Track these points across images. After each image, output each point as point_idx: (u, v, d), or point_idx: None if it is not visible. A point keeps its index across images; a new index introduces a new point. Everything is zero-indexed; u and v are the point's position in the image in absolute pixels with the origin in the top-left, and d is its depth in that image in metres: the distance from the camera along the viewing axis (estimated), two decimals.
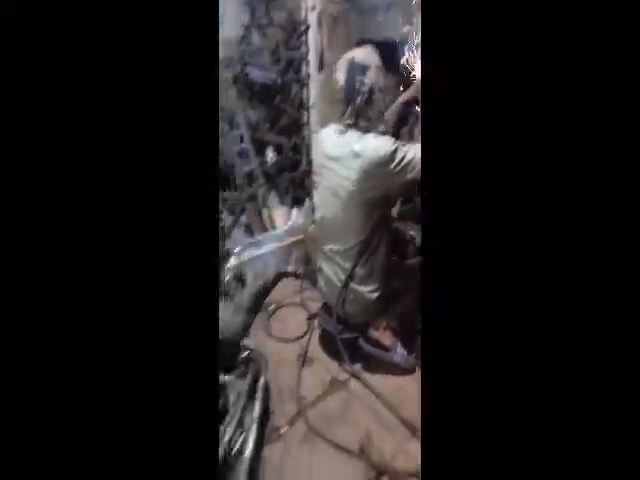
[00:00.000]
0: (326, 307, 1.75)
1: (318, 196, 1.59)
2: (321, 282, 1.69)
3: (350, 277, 1.52)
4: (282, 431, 1.39)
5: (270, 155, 2.56)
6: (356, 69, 1.40)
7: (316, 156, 1.58)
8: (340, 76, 1.44)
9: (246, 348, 1.50)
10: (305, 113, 2.67)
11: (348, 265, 1.51)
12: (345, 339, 1.61)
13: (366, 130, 1.42)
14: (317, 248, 1.70)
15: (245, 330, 1.72)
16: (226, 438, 1.20)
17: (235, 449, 1.21)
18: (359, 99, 1.42)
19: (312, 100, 2.54)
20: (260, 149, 2.54)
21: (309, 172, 2.76)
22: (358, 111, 1.43)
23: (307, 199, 2.39)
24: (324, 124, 2.58)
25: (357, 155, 1.35)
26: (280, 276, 2.23)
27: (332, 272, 1.59)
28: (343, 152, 1.41)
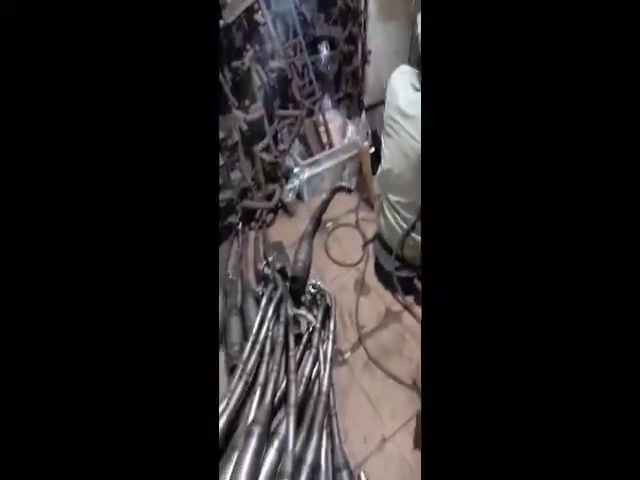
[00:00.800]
0: (381, 240, 1.88)
1: (387, 148, 1.60)
2: (382, 223, 1.80)
3: (412, 228, 1.62)
4: (346, 356, 1.67)
5: (324, 52, 2.39)
6: None
7: (388, 106, 1.53)
8: (420, 28, 1.31)
9: (314, 286, 1.68)
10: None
11: (410, 216, 1.61)
12: (401, 277, 1.78)
13: None
14: (380, 190, 1.77)
15: (309, 260, 1.89)
16: (306, 370, 1.47)
17: (313, 376, 1.49)
18: None
19: None
20: (313, 45, 2.37)
21: (364, 62, 2.61)
22: None
23: (363, 112, 2.32)
24: (381, 12, 2.36)
25: None
26: (336, 190, 2.31)
27: (393, 218, 1.69)
28: (417, 112, 1.38)
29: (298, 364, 1.50)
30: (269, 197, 2.07)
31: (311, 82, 2.23)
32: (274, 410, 1.36)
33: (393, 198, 1.64)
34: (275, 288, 1.66)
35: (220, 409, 1.30)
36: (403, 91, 1.45)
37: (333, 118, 2.34)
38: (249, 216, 2.05)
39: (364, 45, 2.57)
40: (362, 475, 1.33)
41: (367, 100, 2.75)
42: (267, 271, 1.73)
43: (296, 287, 1.74)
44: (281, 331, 1.52)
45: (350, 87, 2.63)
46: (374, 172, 2.18)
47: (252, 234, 2.07)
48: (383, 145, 1.63)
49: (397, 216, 1.65)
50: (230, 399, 1.31)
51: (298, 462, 1.20)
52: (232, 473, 1.11)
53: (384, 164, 1.64)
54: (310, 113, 2.22)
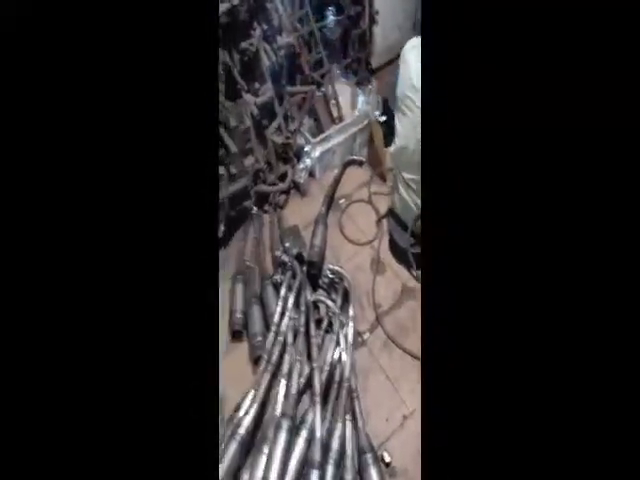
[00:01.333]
0: (395, 216, 1.88)
1: (401, 125, 1.56)
2: (396, 200, 1.79)
3: None
4: (365, 337, 1.71)
5: (331, 17, 2.27)
6: None
7: (401, 82, 1.48)
8: None
9: (332, 271, 1.70)
10: None
11: None
12: (416, 253, 1.79)
13: None
14: (394, 167, 1.75)
15: (324, 244, 1.89)
16: (328, 357, 1.52)
17: (335, 359, 1.54)
18: None
19: None
20: (319, 11, 2.25)
21: (372, 22, 2.49)
22: None
23: (372, 80, 2.23)
24: None
25: None
26: (347, 164, 2.27)
27: (408, 195, 1.68)
28: None
29: (319, 347, 1.54)
30: (282, 178, 2.04)
31: (319, 52, 2.14)
32: (299, 398, 1.42)
33: (407, 176, 1.62)
34: (294, 275, 1.68)
35: (248, 401, 1.36)
36: (416, 67, 1.39)
37: (342, 89, 2.26)
38: (262, 199, 2.04)
39: (371, 5, 2.44)
40: (385, 455, 1.41)
41: (375, 62, 2.65)
42: (284, 258, 1.74)
43: (314, 272, 1.76)
44: (302, 319, 1.56)
45: (358, 51, 2.52)
46: (386, 144, 2.14)
47: (267, 217, 2.07)
48: (397, 122, 1.59)
49: (412, 193, 1.64)
50: (257, 391, 1.38)
51: (325, 449, 1.27)
52: (265, 466, 1.18)
53: (398, 141, 1.60)
54: (319, 86, 2.14)
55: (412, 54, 1.44)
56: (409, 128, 1.49)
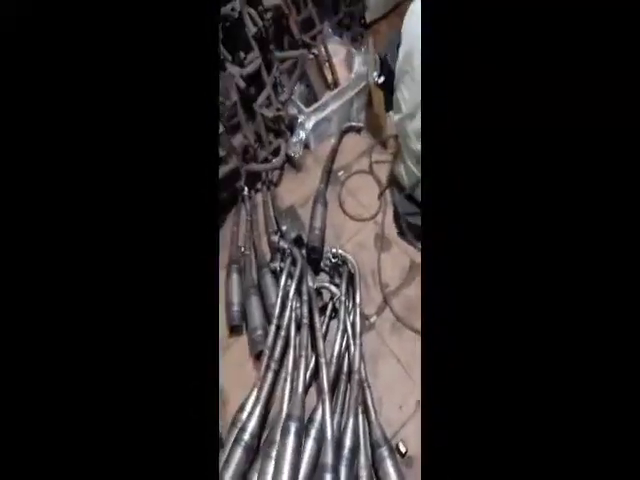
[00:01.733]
0: (400, 188, 1.75)
1: (406, 90, 1.42)
2: (401, 171, 1.67)
3: None
4: (372, 320, 1.62)
5: None
6: None
7: (406, 38, 1.31)
8: None
9: (335, 255, 1.59)
10: None
11: None
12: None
13: None
14: (399, 135, 1.61)
15: (325, 225, 1.78)
16: (336, 347, 1.43)
17: (343, 348, 1.46)
18: None
19: None
20: None
21: None
22: None
23: (367, 36, 2.03)
24: None
25: None
26: (345, 132, 2.12)
27: (413, 164, 1.55)
28: None
29: (324, 336, 1.46)
30: (275, 153, 1.90)
31: (308, 10, 1.94)
32: (306, 393, 1.35)
33: (415, 146, 1.47)
34: (293, 262, 1.57)
35: (251, 401, 1.29)
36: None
37: (336, 49, 2.07)
38: (254, 177, 1.90)
39: None
40: (401, 445, 1.34)
41: (369, 17, 2.44)
42: (282, 244, 1.62)
43: (315, 257, 1.65)
44: (305, 310, 1.46)
45: (350, 4, 2.30)
46: (387, 107, 1.97)
47: (260, 197, 1.94)
48: (402, 86, 1.43)
49: (417, 162, 1.51)
50: (260, 390, 1.30)
51: (337, 447, 1.20)
52: (274, 472, 1.12)
53: (404, 108, 1.45)
54: (310, 48, 1.95)
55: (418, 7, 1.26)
56: (416, 93, 1.34)
